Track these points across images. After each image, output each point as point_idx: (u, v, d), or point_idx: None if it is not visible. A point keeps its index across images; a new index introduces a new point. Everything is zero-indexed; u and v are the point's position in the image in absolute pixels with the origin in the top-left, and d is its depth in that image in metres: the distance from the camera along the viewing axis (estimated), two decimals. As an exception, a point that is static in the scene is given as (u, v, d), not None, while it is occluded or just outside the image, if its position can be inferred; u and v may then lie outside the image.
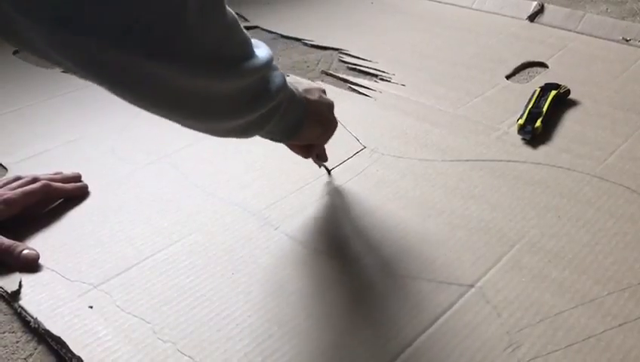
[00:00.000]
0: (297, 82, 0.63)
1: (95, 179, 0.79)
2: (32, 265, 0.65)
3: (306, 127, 0.62)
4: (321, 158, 0.75)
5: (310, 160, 0.74)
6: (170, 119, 0.49)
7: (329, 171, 0.78)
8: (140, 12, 0.39)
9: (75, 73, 0.43)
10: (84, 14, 0.38)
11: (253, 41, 0.53)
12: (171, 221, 0.71)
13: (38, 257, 0.65)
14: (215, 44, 0.45)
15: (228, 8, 0.47)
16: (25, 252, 0.65)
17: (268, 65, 0.53)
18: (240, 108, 0.51)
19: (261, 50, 0.53)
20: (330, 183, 0.77)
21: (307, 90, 0.63)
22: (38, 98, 1.02)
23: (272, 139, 0.62)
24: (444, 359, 0.53)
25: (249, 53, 0.50)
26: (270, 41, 1.22)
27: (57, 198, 0.75)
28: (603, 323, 0.55)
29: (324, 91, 0.67)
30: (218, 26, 0.45)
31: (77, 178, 0.78)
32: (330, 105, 0.67)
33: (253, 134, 0.57)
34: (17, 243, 0.66)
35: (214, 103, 0.49)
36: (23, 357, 0.56)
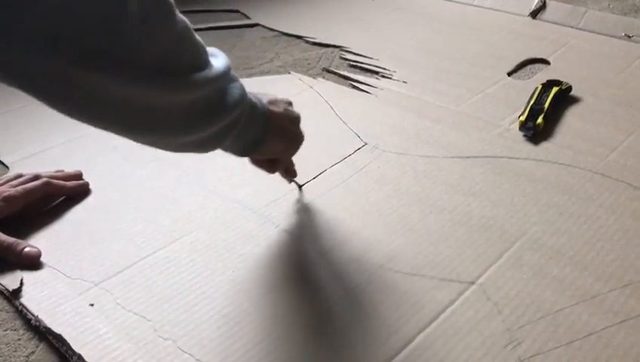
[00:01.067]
0: (262, 93, 0.60)
1: (96, 177, 0.79)
2: (34, 263, 0.65)
3: (269, 142, 0.59)
4: (289, 174, 0.70)
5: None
6: (114, 133, 0.46)
7: (300, 187, 0.74)
8: (68, 21, 0.37)
9: (7, 84, 0.41)
10: (10, 23, 0.36)
11: (210, 49, 0.50)
12: (172, 219, 0.71)
13: (39, 254, 0.66)
14: (162, 54, 0.43)
15: (180, 16, 0.45)
16: (27, 249, 0.65)
17: (224, 75, 0.50)
18: (192, 122, 0.48)
19: (218, 60, 0.50)
20: (300, 201, 0.73)
21: (272, 102, 0.60)
22: (39, 96, 1.02)
23: (232, 153, 0.58)
24: (446, 356, 0.53)
25: (202, 63, 0.47)
26: (272, 39, 1.22)
27: (59, 196, 0.75)
28: (604, 320, 0.55)
29: (290, 103, 0.64)
30: (165, 35, 0.43)
31: (78, 176, 0.78)
32: (295, 119, 0.64)
33: (210, 149, 0.54)
34: (19, 240, 0.66)
35: (162, 117, 0.46)
36: (24, 354, 0.56)
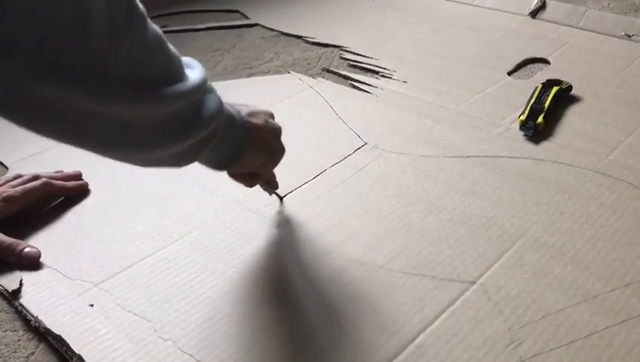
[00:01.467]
0: (242, 104, 0.59)
1: (96, 178, 0.79)
2: (33, 263, 0.65)
3: (248, 155, 0.57)
4: (271, 186, 0.69)
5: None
6: (87, 150, 0.44)
7: (281, 199, 0.72)
8: (26, 32, 0.36)
9: None
10: None
11: (186, 60, 0.49)
12: (172, 219, 0.71)
13: (39, 255, 0.65)
14: (130, 67, 0.41)
15: (152, 27, 0.43)
16: (26, 250, 0.65)
17: (199, 88, 0.48)
18: (165, 137, 0.46)
19: (194, 72, 0.48)
20: (281, 213, 0.71)
21: (251, 114, 0.58)
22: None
23: (209, 167, 0.57)
24: (447, 356, 0.52)
25: (176, 75, 0.46)
26: (271, 39, 1.22)
27: (58, 196, 0.75)
28: (605, 320, 0.55)
29: (271, 115, 0.63)
30: (134, 47, 0.41)
31: (78, 176, 0.78)
32: (276, 131, 0.62)
33: (186, 163, 0.52)
34: (19, 241, 0.66)
35: (133, 132, 0.44)
36: (24, 355, 0.56)
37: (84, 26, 0.37)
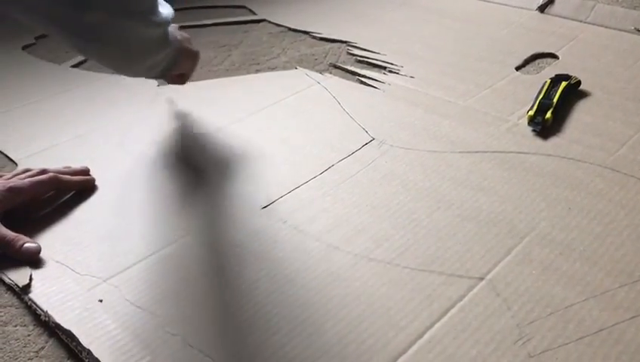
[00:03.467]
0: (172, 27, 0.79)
1: (104, 173, 0.79)
2: (33, 259, 0.65)
3: (182, 60, 0.81)
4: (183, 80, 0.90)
5: None
6: (108, 61, 0.70)
7: (172, 103, 0.95)
8: None
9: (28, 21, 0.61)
10: None
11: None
12: (180, 215, 0.71)
13: (39, 250, 0.66)
14: (140, 3, 0.65)
15: None
16: (26, 245, 0.65)
17: (169, 20, 0.71)
18: (154, 49, 0.72)
19: (165, 8, 0.71)
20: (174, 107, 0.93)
21: (174, 31, 0.80)
22: (47, 93, 1.03)
23: (162, 70, 0.78)
24: (455, 352, 0.52)
25: (157, 9, 0.68)
26: (278, 34, 1.22)
27: (66, 191, 0.75)
28: (614, 316, 0.55)
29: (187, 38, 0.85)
30: None
31: (85, 172, 0.78)
32: (189, 40, 0.84)
33: (156, 70, 0.77)
34: (20, 236, 0.66)
35: (142, 44, 0.69)
36: (34, 350, 0.56)
37: None
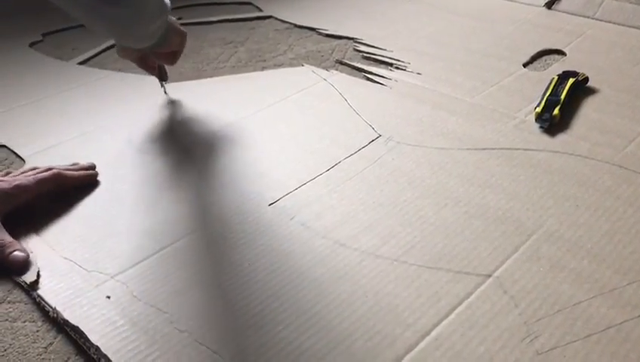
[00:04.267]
0: None
1: (111, 170, 0.79)
2: (19, 268, 0.63)
3: (171, 35, 0.84)
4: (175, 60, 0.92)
5: None
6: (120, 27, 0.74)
7: (163, 85, 0.97)
8: None
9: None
10: None
11: None
12: (188, 211, 0.71)
13: (24, 259, 0.64)
14: None
15: None
16: (14, 254, 0.64)
17: None
18: (157, 14, 0.76)
19: None
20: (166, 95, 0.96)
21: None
22: (54, 90, 1.03)
23: (158, 40, 0.81)
24: (462, 349, 0.52)
25: None
26: (284, 31, 1.22)
27: (70, 186, 0.75)
28: (622, 314, 0.54)
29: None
30: None
31: (92, 168, 0.79)
32: (177, 21, 0.87)
33: (150, 40, 0.80)
34: (14, 242, 0.65)
35: (147, 5, 0.74)
36: (43, 346, 0.57)
37: None
